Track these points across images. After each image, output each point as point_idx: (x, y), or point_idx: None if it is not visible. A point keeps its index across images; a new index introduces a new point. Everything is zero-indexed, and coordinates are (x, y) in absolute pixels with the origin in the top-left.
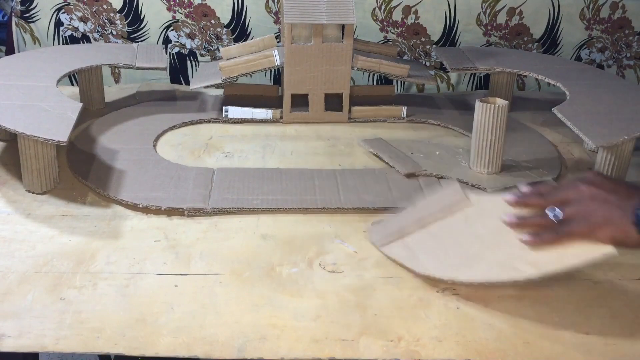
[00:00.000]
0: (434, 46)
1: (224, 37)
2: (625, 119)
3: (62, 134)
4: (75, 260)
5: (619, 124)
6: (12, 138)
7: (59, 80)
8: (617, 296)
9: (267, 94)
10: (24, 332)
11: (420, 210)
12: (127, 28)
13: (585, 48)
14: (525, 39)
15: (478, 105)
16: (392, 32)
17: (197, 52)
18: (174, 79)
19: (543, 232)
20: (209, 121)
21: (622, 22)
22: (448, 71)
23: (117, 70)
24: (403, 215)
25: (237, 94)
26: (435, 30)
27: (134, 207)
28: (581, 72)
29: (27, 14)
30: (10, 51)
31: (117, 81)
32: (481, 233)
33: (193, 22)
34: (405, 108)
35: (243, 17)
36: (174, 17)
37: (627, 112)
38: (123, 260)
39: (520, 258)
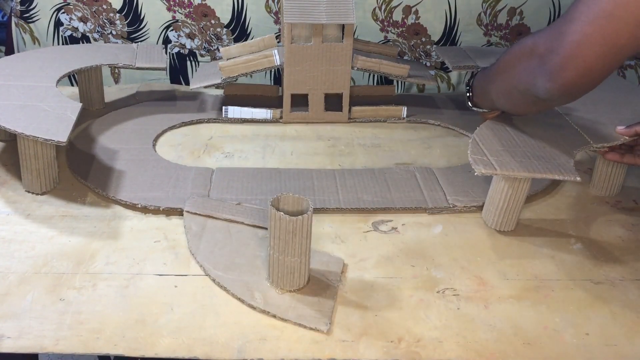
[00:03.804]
0: (435, 46)
1: (224, 37)
2: (626, 119)
3: (61, 134)
4: (75, 261)
5: (620, 124)
6: (11, 138)
7: (58, 81)
8: (617, 296)
9: (267, 94)
10: (24, 332)
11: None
12: (127, 28)
13: None
14: None
15: None
16: (393, 32)
17: (197, 52)
18: (174, 79)
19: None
20: (208, 121)
21: None
22: (449, 71)
23: (116, 71)
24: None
25: (237, 94)
26: (435, 30)
27: (133, 207)
28: None
29: (27, 14)
30: (10, 51)
31: (116, 81)
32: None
33: (193, 22)
34: (406, 108)
35: (243, 17)
36: (173, 17)
37: (628, 112)
38: (123, 261)
39: None
